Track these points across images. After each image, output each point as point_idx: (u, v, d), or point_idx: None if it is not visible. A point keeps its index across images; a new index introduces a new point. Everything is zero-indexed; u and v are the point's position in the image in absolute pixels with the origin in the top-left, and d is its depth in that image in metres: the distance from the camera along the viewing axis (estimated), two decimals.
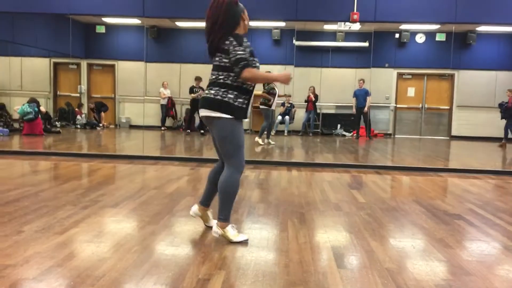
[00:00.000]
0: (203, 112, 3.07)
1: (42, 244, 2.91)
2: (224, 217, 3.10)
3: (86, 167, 6.45)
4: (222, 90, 3.01)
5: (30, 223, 3.39)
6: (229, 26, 3.01)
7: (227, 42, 2.98)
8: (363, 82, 12.91)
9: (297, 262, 2.75)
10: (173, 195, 4.60)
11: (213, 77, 3.08)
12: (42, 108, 11.03)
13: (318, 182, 5.67)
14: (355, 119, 13.22)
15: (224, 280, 2.43)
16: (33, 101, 10.77)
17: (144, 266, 2.60)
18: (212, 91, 3.03)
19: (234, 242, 3.06)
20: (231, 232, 3.11)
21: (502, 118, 11.78)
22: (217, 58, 3.05)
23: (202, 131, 12.48)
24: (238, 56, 2.93)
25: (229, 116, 2.98)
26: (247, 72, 2.94)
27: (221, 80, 3.02)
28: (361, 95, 12.80)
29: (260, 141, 9.96)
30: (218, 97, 2.99)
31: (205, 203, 3.41)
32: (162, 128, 13.89)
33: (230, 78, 3.01)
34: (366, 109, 12.73)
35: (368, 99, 12.73)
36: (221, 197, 3.09)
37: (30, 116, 10.39)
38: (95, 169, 6.21)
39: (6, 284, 2.29)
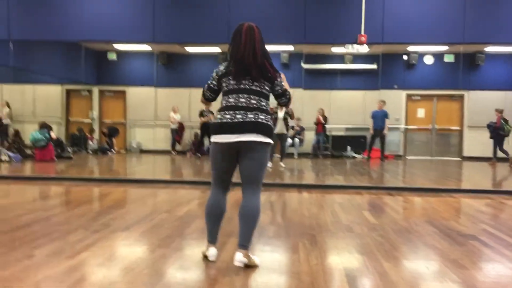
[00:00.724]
0: (254, 137, 2.97)
1: (53, 268, 2.91)
2: (249, 245, 3.02)
3: (97, 191, 6.48)
4: (269, 116, 3.09)
5: (41, 247, 3.40)
6: (266, 52, 3.13)
7: (273, 72, 3.10)
8: (384, 103, 12.79)
9: (308, 284, 2.72)
10: (183, 218, 4.60)
11: (254, 101, 3.04)
12: (53, 134, 11.16)
13: (329, 204, 5.63)
14: (371, 140, 12.97)
15: None
16: (44, 126, 10.91)
17: None
18: (262, 116, 3.03)
19: (245, 266, 3.01)
20: (252, 257, 3.05)
21: (490, 137, 12.31)
22: (257, 83, 3.05)
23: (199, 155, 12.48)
24: (284, 88, 3.19)
25: (272, 142, 3.10)
26: (290, 101, 3.29)
27: (264, 107, 3.08)
28: (380, 116, 12.60)
29: (270, 164, 9.91)
30: (269, 122, 3.07)
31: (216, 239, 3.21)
32: (173, 153, 13.94)
33: (268, 105, 3.14)
34: (385, 131, 12.62)
35: (387, 121, 12.63)
36: (250, 225, 3.00)
37: (42, 143, 10.52)
38: (106, 193, 6.24)
39: None
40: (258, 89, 3.06)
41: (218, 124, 3.05)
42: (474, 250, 3.59)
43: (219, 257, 3.23)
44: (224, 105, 3.09)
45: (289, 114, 10.00)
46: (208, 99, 3.31)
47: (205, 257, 3.16)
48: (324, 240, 3.82)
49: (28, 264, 2.98)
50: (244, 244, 2.98)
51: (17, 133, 11.64)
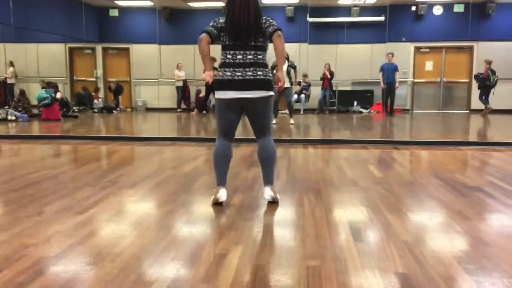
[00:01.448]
0: (255, 94, 3.23)
1: (63, 224, 2.97)
2: (273, 180, 3.47)
3: (104, 149, 6.53)
4: (266, 69, 3.29)
5: (51, 204, 3.46)
6: (261, 12, 3.26)
7: (263, 21, 3.23)
8: (392, 56, 12.53)
9: (313, 236, 2.76)
10: (189, 174, 4.64)
11: (250, 56, 3.23)
12: (58, 95, 11.14)
13: (334, 159, 5.65)
14: (384, 94, 12.67)
15: (241, 255, 2.45)
16: (52, 86, 10.91)
17: (162, 243, 2.63)
18: (260, 72, 3.23)
19: (250, 219, 3.07)
20: (276, 191, 3.49)
21: (478, 88, 12.68)
22: (252, 38, 3.22)
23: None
24: (273, 23, 3.23)
25: (273, 93, 3.36)
26: (280, 36, 3.16)
27: (261, 60, 3.27)
28: (390, 69, 12.36)
29: (275, 120, 9.81)
30: (268, 77, 3.27)
31: (225, 181, 3.50)
32: (178, 110, 13.93)
33: (265, 56, 3.31)
34: (397, 84, 12.45)
35: (397, 74, 12.42)
36: (271, 164, 3.42)
37: (46, 101, 10.54)
38: (113, 151, 6.28)
39: (29, 262, 2.34)
40: (253, 43, 3.24)
41: (220, 81, 3.28)
42: (479, 201, 3.61)
43: (225, 212, 3.28)
44: (223, 61, 3.30)
45: (292, 67, 9.73)
46: (214, 36, 3.28)
47: (215, 203, 3.40)
48: (329, 194, 3.85)
49: (38, 220, 3.05)
50: (270, 180, 3.43)
51: (22, 93, 11.64)
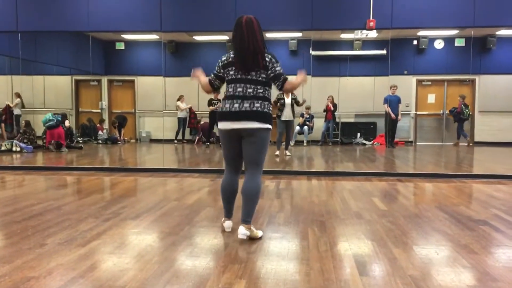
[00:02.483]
0: (249, 124, 3.29)
1: (65, 256, 2.95)
2: (250, 220, 3.37)
3: (108, 180, 6.52)
4: (265, 103, 3.35)
5: (53, 236, 3.44)
6: (264, 42, 3.36)
7: (267, 59, 3.33)
8: (396, 88, 12.64)
9: (318, 270, 2.72)
10: (193, 206, 4.62)
11: (250, 90, 3.32)
12: (67, 123, 11.22)
13: (338, 191, 5.62)
14: (388, 126, 12.53)
15: None
16: (61, 114, 11.10)
17: (165, 276, 2.60)
18: (257, 104, 3.31)
19: (254, 253, 3.04)
20: (255, 230, 3.42)
21: (454, 122, 13.43)
22: (253, 73, 3.33)
23: (208, 143, 12.53)
24: (278, 72, 3.33)
25: (270, 127, 3.38)
26: (288, 84, 3.36)
27: (261, 94, 3.34)
28: (394, 101, 12.47)
29: (278, 152, 9.84)
30: (265, 109, 3.34)
31: (231, 214, 3.65)
32: (175, 141, 14.04)
33: (267, 91, 3.39)
34: (400, 116, 12.52)
35: (400, 106, 12.52)
36: (251, 202, 3.36)
37: (52, 123, 10.65)
38: (116, 183, 6.28)
39: None
40: (254, 78, 3.34)
41: (220, 113, 3.42)
42: (485, 235, 3.57)
43: (228, 244, 3.25)
44: (226, 94, 3.43)
45: (296, 101, 9.85)
46: (215, 87, 3.60)
47: (223, 230, 3.61)
48: (333, 226, 3.81)
49: (40, 252, 3.02)
50: (246, 219, 3.34)
51: (28, 124, 11.74)
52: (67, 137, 11.51)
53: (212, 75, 3.54)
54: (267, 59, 3.33)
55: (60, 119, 10.84)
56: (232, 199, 3.57)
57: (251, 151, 3.37)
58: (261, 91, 3.35)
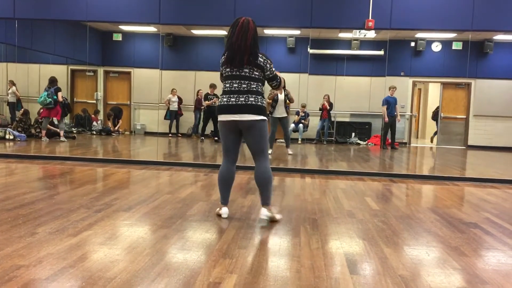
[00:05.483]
0: (246, 117, 3.60)
1: (55, 246, 2.93)
2: (269, 202, 3.76)
3: (101, 171, 6.50)
4: (259, 97, 3.67)
5: (44, 225, 3.43)
6: (257, 43, 3.65)
7: (261, 60, 3.65)
8: (395, 89, 12.56)
9: (309, 267, 2.73)
10: (186, 200, 4.61)
11: (244, 85, 3.64)
12: (60, 97, 11.06)
13: (331, 190, 5.63)
14: (386, 127, 12.52)
15: (236, 284, 2.42)
16: (52, 81, 11.00)
17: (155, 269, 2.59)
18: (252, 98, 3.62)
19: (245, 248, 3.04)
20: (274, 212, 3.80)
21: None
22: (246, 70, 3.63)
23: (216, 138, 12.52)
24: (275, 73, 3.79)
25: (265, 118, 3.68)
26: (282, 83, 3.92)
27: (254, 89, 3.66)
28: (394, 103, 12.45)
29: (271, 151, 9.73)
30: (259, 103, 3.64)
31: (227, 201, 3.93)
32: (169, 135, 14.01)
33: (260, 87, 3.71)
34: (399, 118, 12.48)
35: (397, 107, 12.50)
36: (266, 187, 3.72)
37: (50, 106, 10.67)
38: (109, 174, 6.26)
39: (19, 283, 2.30)
40: (248, 74, 3.64)
41: (219, 106, 3.74)
42: (476, 238, 3.59)
43: (220, 239, 3.25)
44: (223, 89, 3.76)
45: (288, 98, 9.71)
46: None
47: (219, 216, 3.88)
48: (325, 224, 3.82)
49: (31, 241, 3.01)
50: (266, 202, 3.74)
51: (26, 113, 11.69)
52: (64, 113, 11.39)
53: (219, 75, 3.85)
54: (260, 59, 3.64)
55: (55, 97, 10.79)
56: (230, 186, 3.87)
57: (253, 142, 3.69)
58: (254, 86, 3.66)
